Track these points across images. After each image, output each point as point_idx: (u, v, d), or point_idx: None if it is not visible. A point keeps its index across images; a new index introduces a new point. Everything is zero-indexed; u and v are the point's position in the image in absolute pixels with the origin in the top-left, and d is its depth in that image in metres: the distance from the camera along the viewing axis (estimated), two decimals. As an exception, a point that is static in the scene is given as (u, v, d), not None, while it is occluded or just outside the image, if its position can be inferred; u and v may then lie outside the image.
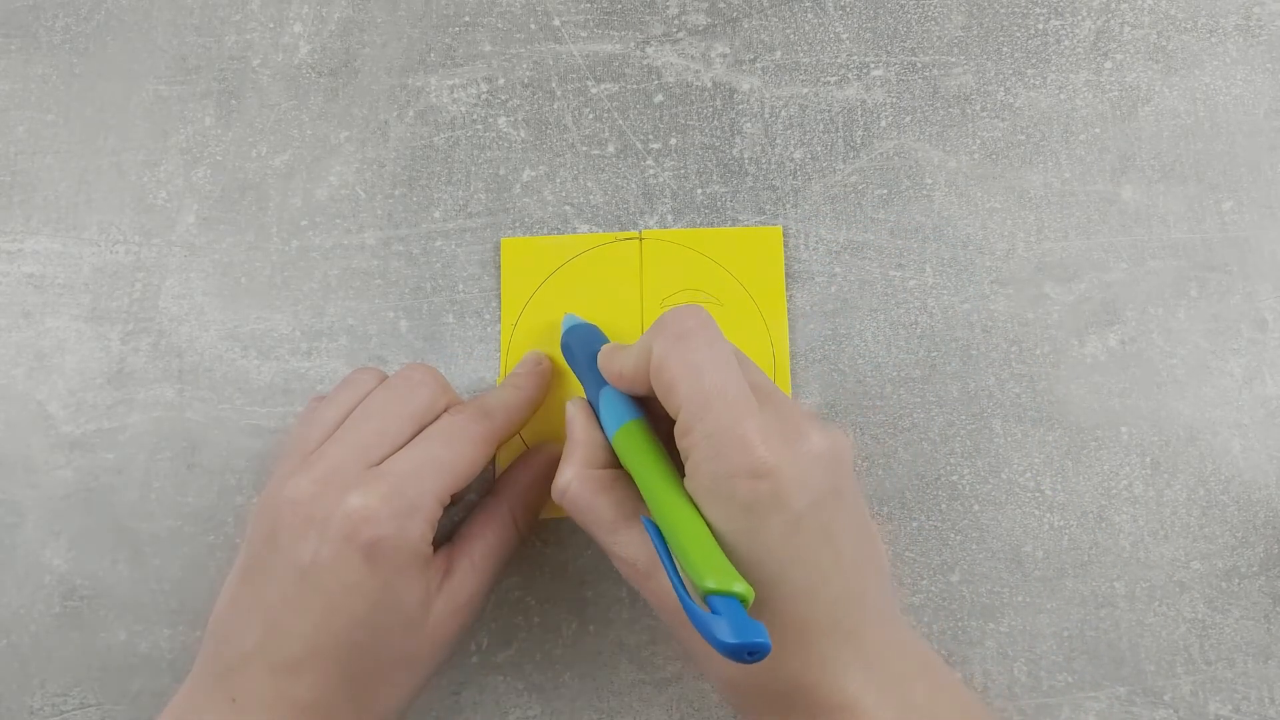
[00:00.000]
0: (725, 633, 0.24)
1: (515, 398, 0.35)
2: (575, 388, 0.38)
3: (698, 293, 0.39)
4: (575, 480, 0.31)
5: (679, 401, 0.28)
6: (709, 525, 0.28)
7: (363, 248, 0.40)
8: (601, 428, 0.32)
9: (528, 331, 0.39)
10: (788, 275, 0.39)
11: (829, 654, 0.28)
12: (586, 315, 0.39)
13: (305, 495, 0.30)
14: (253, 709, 0.30)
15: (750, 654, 0.23)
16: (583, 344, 0.35)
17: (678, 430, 0.29)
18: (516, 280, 0.39)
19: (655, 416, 0.32)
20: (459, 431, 0.33)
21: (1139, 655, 0.36)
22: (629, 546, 0.30)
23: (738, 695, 0.30)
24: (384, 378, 0.35)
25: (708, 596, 0.25)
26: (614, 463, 0.32)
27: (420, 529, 0.31)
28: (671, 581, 0.26)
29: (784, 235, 0.40)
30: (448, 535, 0.35)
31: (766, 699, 0.29)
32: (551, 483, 0.34)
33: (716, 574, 0.25)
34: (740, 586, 0.25)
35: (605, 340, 0.36)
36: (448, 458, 0.32)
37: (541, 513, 0.37)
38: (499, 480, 0.36)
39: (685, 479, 0.29)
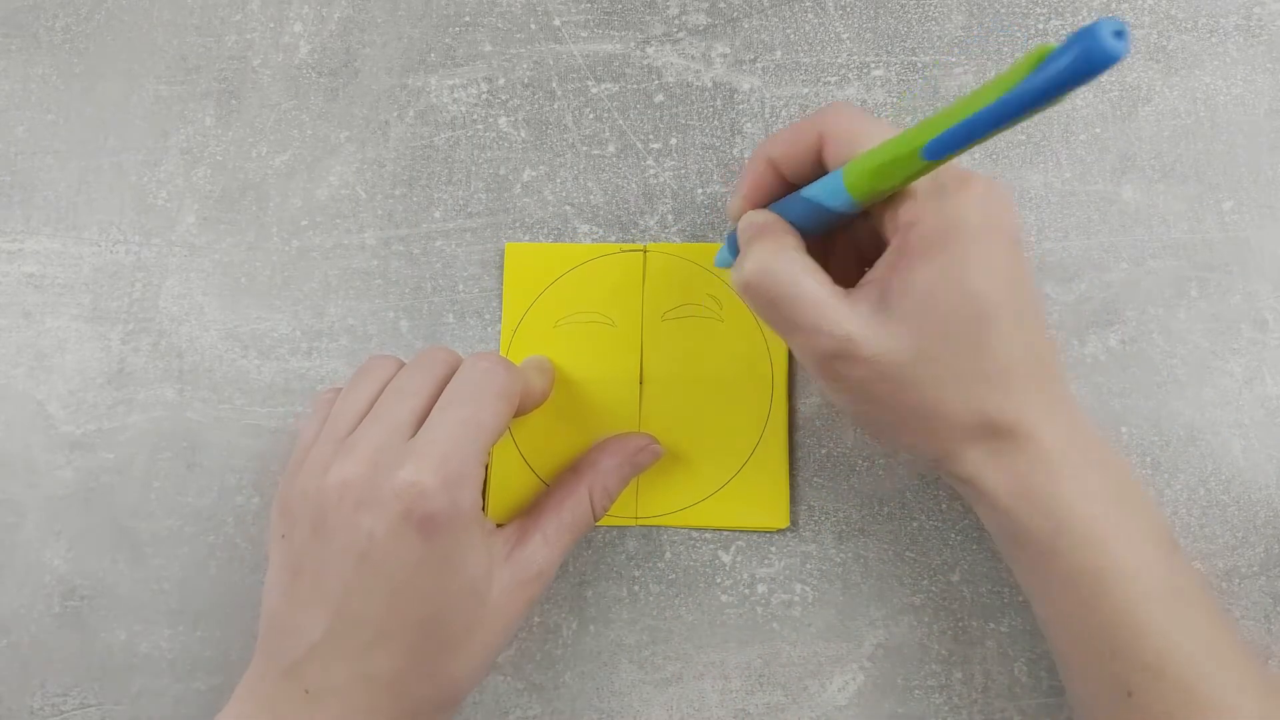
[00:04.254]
0: (1093, 33, 0.21)
1: (530, 373, 0.36)
2: (576, 400, 0.38)
3: (699, 306, 0.39)
4: (778, 257, 0.30)
5: (874, 137, 0.29)
6: None
7: (363, 248, 0.40)
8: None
9: (528, 337, 0.39)
10: (788, 275, 0.39)
11: (1039, 387, 0.30)
12: (588, 323, 0.39)
13: (354, 478, 0.30)
14: (328, 697, 0.30)
15: (1119, 34, 0.21)
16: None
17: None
18: (518, 285, 0.39)
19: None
20: (486, 384, 0.32)
21: (1139, 655, 0.36)
22: (842, 320, 0.29)
23: (933, 436, 0.31)
24: (400, 363, 0.34)
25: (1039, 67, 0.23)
26: (805, 252, 0.31)
27: (471, 497, 0.31)
28: (1015, 99, 0.24)
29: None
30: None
31: (963, 435, 0.30)
32: (636, 465, 0.36)
33: (1028, 57, 0.23)
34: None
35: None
36: (480, 417, 0.31)
37: (617, 497, 0.37)
38: (580, 461, 0.36)
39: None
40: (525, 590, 0.33)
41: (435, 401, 0.32)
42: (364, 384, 0.34)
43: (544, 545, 0.33)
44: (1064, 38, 0.22)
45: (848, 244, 0.34)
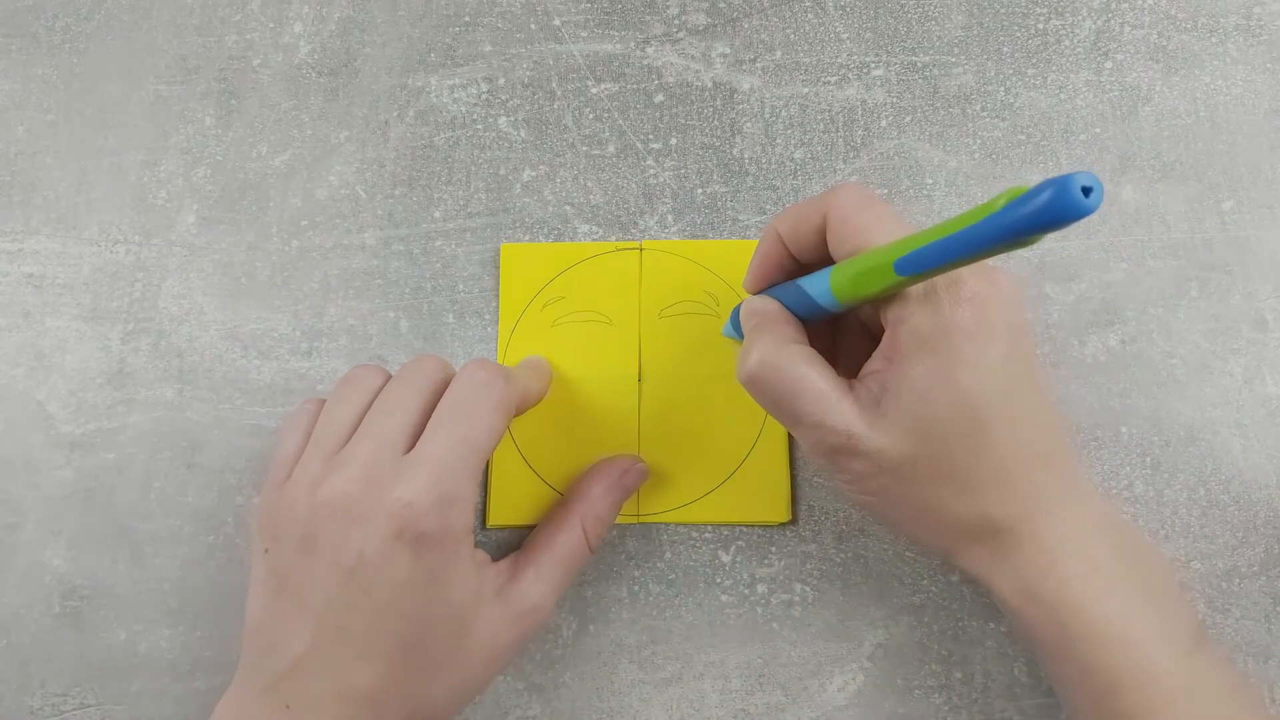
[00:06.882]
0: (1060, 186, 0.21)
1: (526, 378, 0.35)
2: (575, 399, 0.38)
3: (696, 302, 0.39)
4: (780, 352, 0.30)
5: (880, 236, 0.29)
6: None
7: (363, 248, 0.40)
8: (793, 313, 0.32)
9: (526, 337, 0.39)
10: (788, 275, 0.39)
11: (1042, 486, 0.29)
12: (585, 322, 0.39)
13: (346, 495, 0.30)
14: (309, 714, 0.30)
15: (1087, 190, 0.21)
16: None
17: None
18: (515, 286, 0.39)
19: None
20: (483, 398, 0.32)
21: (1139, 655, 0.36)
22: (844, 415, 0.29)
23: (936, 532, 0.31)
24: (386, 374, 0.34)
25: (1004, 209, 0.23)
26: (807, 344, 0.31)
27: (463, 518, 0.31)
28: (979, 231, 0.24)
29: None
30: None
31: (965, 534, 0.30)
32: (624, 488, 0.36)
33: (1003, 194, 0.23)
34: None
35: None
36: (475, 434, 0.31)
37: (612, 525, 0.37)
38: (569, 491, 0.36)
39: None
40: (516, 626, 0.32)
41: (426, 415, 0.32)
42: (350, 396, 0.33)
43: (537, 580, 0.33)
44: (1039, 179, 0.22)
45: (858, 323, 0.34)
